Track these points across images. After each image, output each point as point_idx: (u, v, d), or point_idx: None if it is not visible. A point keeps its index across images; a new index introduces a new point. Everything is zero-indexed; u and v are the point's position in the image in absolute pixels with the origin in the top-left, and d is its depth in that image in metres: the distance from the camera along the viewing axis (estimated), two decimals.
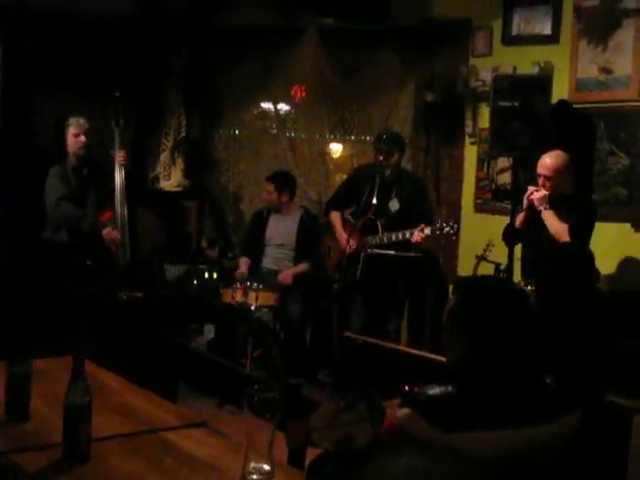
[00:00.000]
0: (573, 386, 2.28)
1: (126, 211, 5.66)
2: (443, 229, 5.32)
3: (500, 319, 2.21)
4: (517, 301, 2.29)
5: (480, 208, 6.52)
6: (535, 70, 5.98)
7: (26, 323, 5.44)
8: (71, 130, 5.69)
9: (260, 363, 6.01)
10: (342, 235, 5.84)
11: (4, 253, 6.31)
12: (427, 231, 5.33)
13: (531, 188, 4.99)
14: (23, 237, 6.19)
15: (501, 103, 5.51)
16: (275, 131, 7.56)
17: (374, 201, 5.53)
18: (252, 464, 2.12)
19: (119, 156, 5.69)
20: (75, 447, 2.24)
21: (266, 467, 2.11)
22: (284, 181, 6.50)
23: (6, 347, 2.74)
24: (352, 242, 5.65)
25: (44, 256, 5.76)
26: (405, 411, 2.13)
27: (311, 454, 2.62)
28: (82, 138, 5.67)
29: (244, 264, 6.55)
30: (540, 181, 4.94)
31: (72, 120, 5.71)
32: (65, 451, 2.25)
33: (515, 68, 6.13)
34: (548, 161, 4.93)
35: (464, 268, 6.33)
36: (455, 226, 5.32)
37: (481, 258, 5.85)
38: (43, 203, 5.69)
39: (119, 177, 5.67)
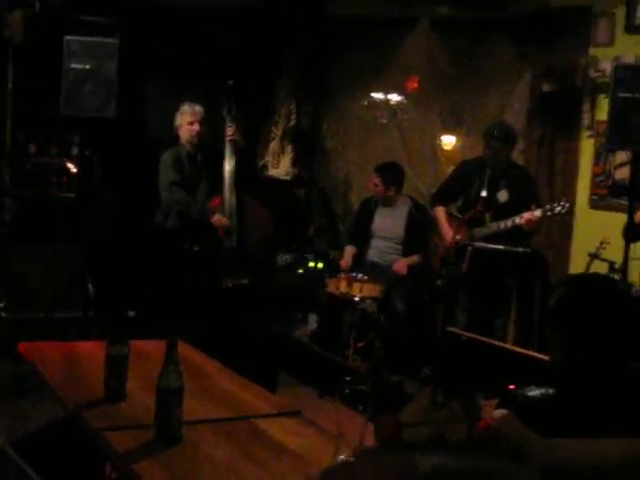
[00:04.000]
0: None
1: (234, 198, 5.68)
2: (554, 209, 5.11)
3: (597, 320, 2.08)
4: (616, 302, 2.15)
5: (595, 204, 6.27)
6: None
7: (131, 305, 5.57)
8: (186, 118, 5.73)
9: (363, 355, 5.98)
10: (447, 229, 5.72)
11: (117, 238, 6.47)
12: (537, 213, 5.15)
13: None
14: (136, 222, 6.34)
15: (621, 94, 5.26)
16: (385, 121, 7.48)
17: (483, 194, 5.39)
18: (342, 456, 2.08)
19: (229, 130, 5.69)
20: (166, 430, 2.26)
21: None
22: (391, 174, 6.40)
23: (108, 328, 2.79)
24: (459, 236, 5.54)
25: (155, 240, 5.86)
26: (502, 412, 2.04)
27: None
28: (196, 127, 5.71)
29: (349, 253, 6.51)
30: None
31: (187, 108, 5.74)
32: (157, 433, 2.26)
33: (637, 57, 5.86)
34: None
35: (576, 266, 6.11)
36: (567, 204, 5.10)
37: (594, 256, 5.63)
38: (155, 189, 5.78)
39: (229, 164, 5.69)
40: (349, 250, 6.55)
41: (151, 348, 3.21)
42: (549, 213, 5.14)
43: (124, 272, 6.17)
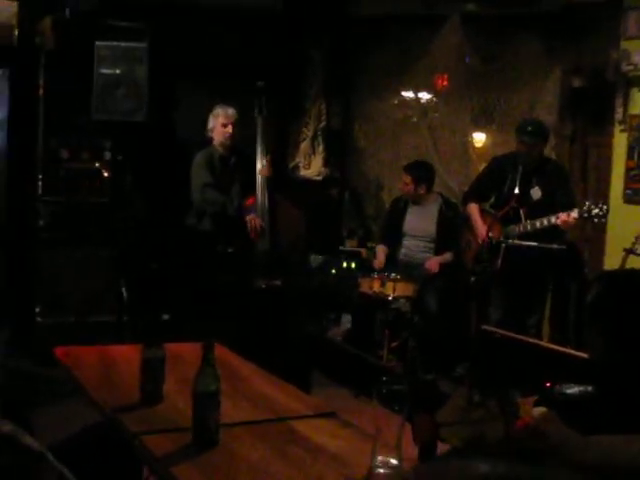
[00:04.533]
0: None
1: (267, 199, 5.68)
2: (591, 211, 5.05)
3: (634, 316, 2.05)
4: None
5: (630, 199, 6.20)
6: None
7: (165, 308, 5.59)
8: (220, 120, 5.74)
9: (397, 355, 5.96)
10: (481, 226, 5.69)
11: (150, 241, 6.51)
12: (574, 214, 5.10)
13: None
14: (168, 225, 6.37)
15: None
16: (415, 120, 7.45)
17: (516, 190, 5.36)
18: (380, 457, 2.06)
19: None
20: (203, 433, 2.26)
21: (394, 461, 2.06)
22: (422, 173, 6.38)
23: (142, 332, 2.79)
24: (492, 233, 5.50)
25: (187, 243, 5.88)
26: (541, 410, 2.02)
27: (441, 450, 2.54)
28: (229, 129, 5.72)
29: (382, 252, 6.49)
30: None
31: (220, 110, 5.75)
32: (194, 436, 2.27)
33: None
34: None
35: (611, 262, 6.04)
36: (604, 207, 5.03)
37: (630, 251, 5.56)
38: (187, 191, 5.79)
39: (260, 164, 5.69)
40: (381, 250, 6.53)
41: (186, 351, 3.22)
42: (586, 215, 5.08)
43: (157, 275, 6.20)
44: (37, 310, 5.93)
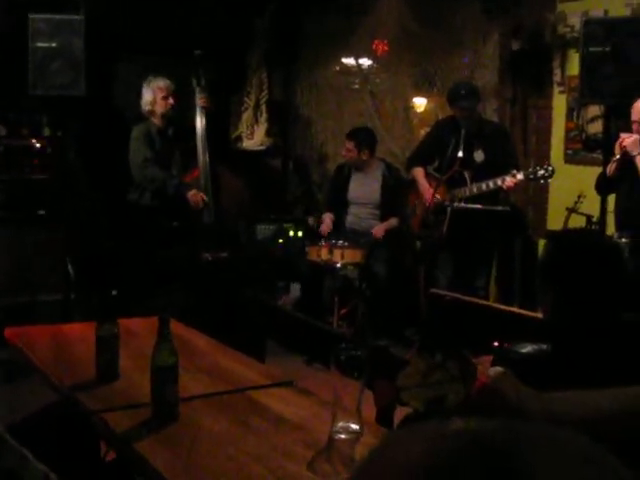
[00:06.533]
0: None
1: (208, 161, 5.58)
2: (537, 172, 5.13)
3: (589, 274, 2.10)
4: (607, 255, 2.18)
5: (570, 159, 6.29)
6: (628, 12, 5.70)
7: (113, 285, 5.52)
8: (161, 92, 5.62)
9: (347, 321, 6.00)
10: (427, 189, 5.73)
11: (93, 217, 6.42)
12: (520, 176, 5.16)
13: (623, 135, 4.78)
14: (111, 201, 6.28)
15: (591, 49, 5.26)
16: (357, 87, 7.45)
17: (460, 154, 5.40)
18: (340, 423, 2.09)
19: (200, 99, 5.62)
20: (163, 407, 2.25)
21: (354, 426, 2.08)
22: (363, 138, 6.38)
23: (94, 309, 2.76)
24: (438, 196, 5.55)
25: (130, 218, 5.80)
26: (498, 370, 2.05)
27: (400, 413, 2.58)
28: (171, 100, 5.63)
29: (328, 218, 6.49)
30: (634, 127, 4.73)
31: (161, 82, 5.63)
32: (153, 411, 2.26)
33: (606, 11, 5.86)
34: None
35: (554, 221, 6.15)
36: (550, 168, 5.11)
37: (572, 211, 5.67)
38: (128, 166, 5.69)
39: (200, 124, 5.60)
40: (327, 216, 6.53)
41: (137, 326, 3.21)
42: (531, 176, 5.15)
43: (103, 252, 6.13)
44: None
